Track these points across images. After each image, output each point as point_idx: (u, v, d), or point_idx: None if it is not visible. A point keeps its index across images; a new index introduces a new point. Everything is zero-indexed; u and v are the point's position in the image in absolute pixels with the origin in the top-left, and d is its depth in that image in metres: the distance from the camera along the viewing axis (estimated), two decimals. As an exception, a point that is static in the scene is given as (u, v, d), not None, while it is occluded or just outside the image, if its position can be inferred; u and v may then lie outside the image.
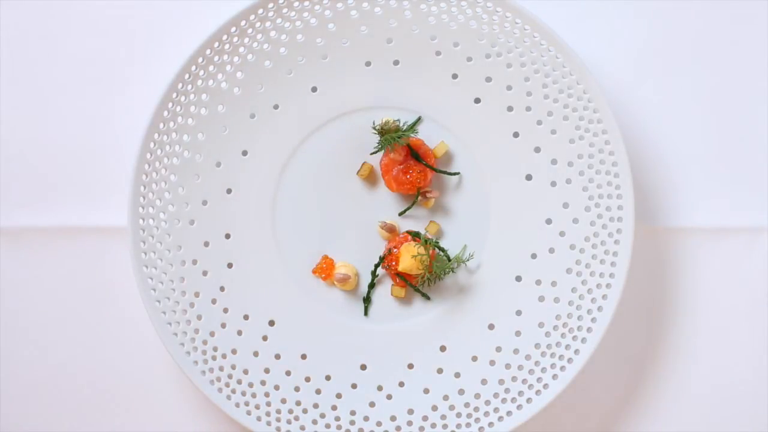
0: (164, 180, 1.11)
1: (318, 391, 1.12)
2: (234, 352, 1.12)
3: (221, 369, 1.11)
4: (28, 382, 1.17)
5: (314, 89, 1.14)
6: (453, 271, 1.13)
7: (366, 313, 1.14)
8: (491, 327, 1.13)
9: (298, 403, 1.11)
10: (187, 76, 1.10)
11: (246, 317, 1.13)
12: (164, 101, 1.10)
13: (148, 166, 1.10)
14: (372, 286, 1.14)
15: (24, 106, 1.18)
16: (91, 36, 1.19)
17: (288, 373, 1.12)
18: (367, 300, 1.14)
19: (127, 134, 1.16)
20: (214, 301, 1.12)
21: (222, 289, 1.13)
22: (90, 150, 1.18)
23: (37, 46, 1.19)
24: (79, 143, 1.18)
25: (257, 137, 1.14)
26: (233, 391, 1.11)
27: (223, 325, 1.12)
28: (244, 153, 1.14)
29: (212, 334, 1.11)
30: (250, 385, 1.11)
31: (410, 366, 1.13)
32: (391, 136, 1.12)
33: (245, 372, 1.11)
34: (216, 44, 1.11)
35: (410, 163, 1.13)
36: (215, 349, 1.11)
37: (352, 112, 1.14)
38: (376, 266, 1.14)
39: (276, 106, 1.14)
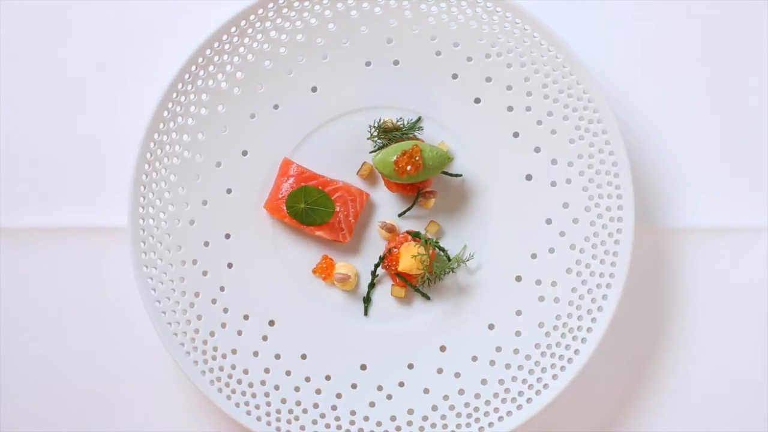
0: (164, 180, 1.11)
1: (318, 391, 1.12)
2: (234, 352, 1.12)
3: (221, 369, 1.11)
4: (28, 382, 1.17)
5: (314, 89, 1.14)
6: (453, 271, 1.13)
7: (366, 313, 1.14)
8: (491, 327, 1.13)
9: (298, 403, 1.11)
10: (187, 76, 1.10)
11: (246, 317, 1.13)
12: (164, 101, 1.10)
13: (148, 166, 1.10)
14: (372, 286, 1.14)
15: (24, 106, 1.18)
16: (90, 36, 1.19)
17: (288, 373, 1.12)
18: (367, 300, 1.14)
19: (127, 134, 1.16)
20: (214, 301, 1.12)
21: (222, 289, 1.13)
22: (90, 150, 1.18)
23: (37, 46, 1.19)
24: (79, 143, 1.18)
25: (257, 137, 1.14)
26: (233, 391, 1.11)
27: (223, 325, 1.12)
28: (244, 153, 1.14)
29: (212, 334, 1.11)
30: (250, 385, 1.11)
31: (410, 366, 1.13)
32: (393, 135, 1.12)
33: (245, 372, 1.11)
34: (216, 44, 1.11)
35: (410, 163, 1.13)
36: (215, 349, 1.11)
37: (352, 112, 1.14)
38: (376, 266, 1.14)
39: (276, 106, 1.14)
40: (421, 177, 1.11)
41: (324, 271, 1.14)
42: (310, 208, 1.12)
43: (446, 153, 1.12)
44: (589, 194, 1.11)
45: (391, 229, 1.14)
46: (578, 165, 1.12)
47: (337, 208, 1.12)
